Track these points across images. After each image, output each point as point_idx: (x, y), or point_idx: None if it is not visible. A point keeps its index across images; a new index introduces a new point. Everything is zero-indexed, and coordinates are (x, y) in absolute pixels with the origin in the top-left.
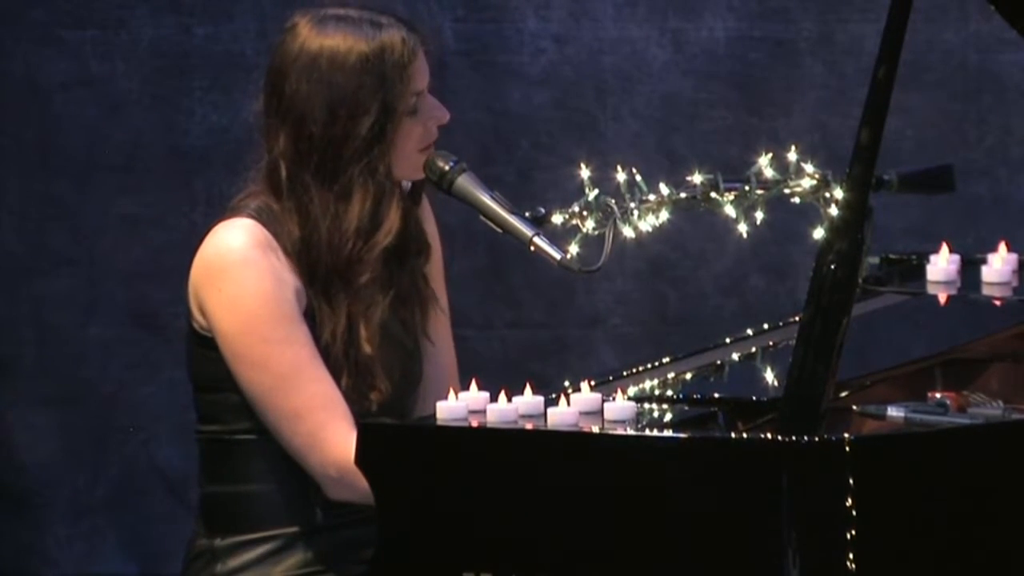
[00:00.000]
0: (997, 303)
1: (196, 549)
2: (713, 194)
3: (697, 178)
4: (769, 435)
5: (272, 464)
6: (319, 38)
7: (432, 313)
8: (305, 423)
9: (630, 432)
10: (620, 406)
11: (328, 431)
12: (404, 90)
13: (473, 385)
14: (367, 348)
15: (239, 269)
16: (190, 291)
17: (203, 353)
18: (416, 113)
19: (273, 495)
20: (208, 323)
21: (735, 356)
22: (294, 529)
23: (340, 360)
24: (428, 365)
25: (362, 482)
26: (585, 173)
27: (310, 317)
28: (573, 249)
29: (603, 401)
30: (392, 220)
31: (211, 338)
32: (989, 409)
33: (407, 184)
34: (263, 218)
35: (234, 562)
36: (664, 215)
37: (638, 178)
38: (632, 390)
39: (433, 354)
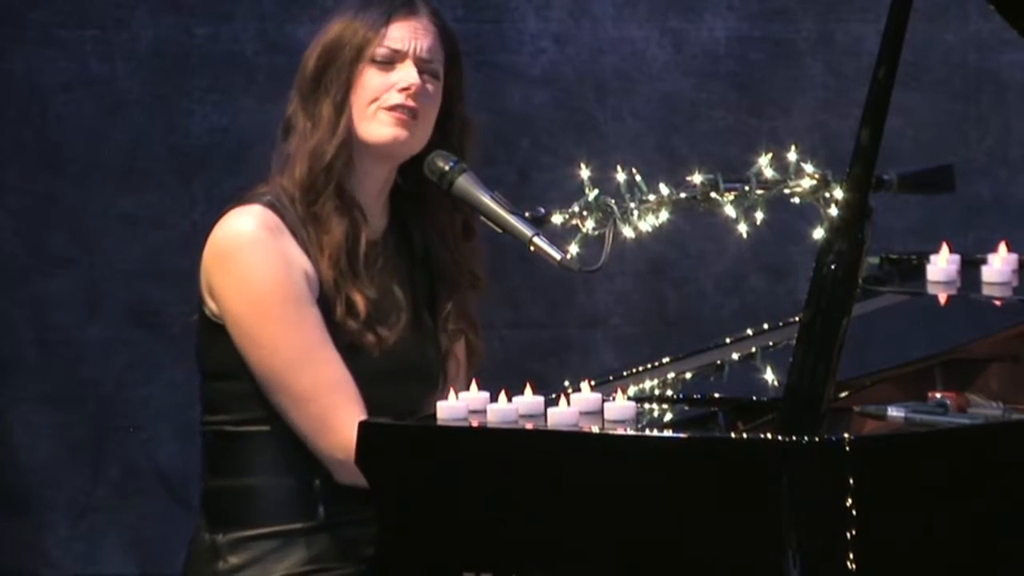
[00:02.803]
0: (997, 303)
1: (199, 544)
2: (713, 194)
3: (697, 178)
4: (769, 435)
5: (275, 458)
6: (340, 10)
7: (459, 346)
8: (314, 405)
9: (630, 432)
10: (620, 406)
11: (337, 414)
12: (375, 34)
13: (473, 385)
14: (330, 273)
15: (248, 251)
16: (201, 276)
17: (214, 340)
18: (388, 67)
19: (276, 490)
20: (218, 307)
21: (735, 356)
22: (297, 525)
23: (331, 293)
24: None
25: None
26: (585, 173)
27: (319, 277)
28: (573, 249)
29: (603, 401)
30: (337, 140)
31: (222, 324)
32: (989, 409)
33: (459, 219)
34: (276, 205)
35: (237, 558)
36: (664, 215)
37: (638, 178)
38: (632, 390)
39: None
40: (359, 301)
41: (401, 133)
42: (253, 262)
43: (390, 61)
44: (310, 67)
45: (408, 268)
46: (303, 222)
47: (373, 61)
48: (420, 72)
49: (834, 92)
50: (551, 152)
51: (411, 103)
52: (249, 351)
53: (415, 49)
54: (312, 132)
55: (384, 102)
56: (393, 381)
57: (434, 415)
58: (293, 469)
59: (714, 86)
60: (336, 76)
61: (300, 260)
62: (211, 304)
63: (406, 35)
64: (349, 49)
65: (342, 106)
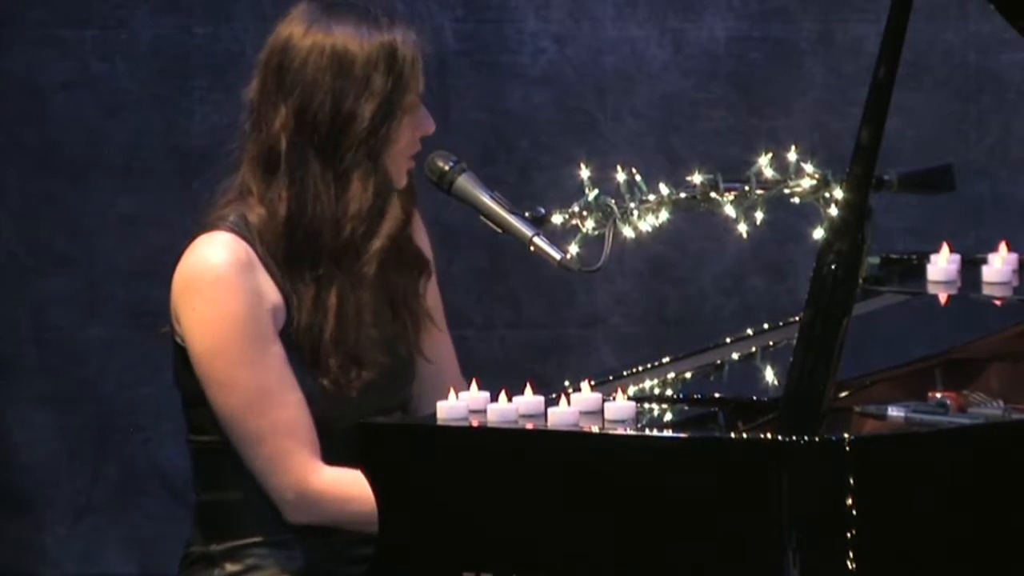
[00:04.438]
0: (997, 303)
1: (192, 555)
2: (713, 194)
3: (697, 178)
4: (769, 435)
5: None
6: (331, 20)
7: (426, 328)
8: (266, 447)
9: (630, 432)
10: (620, 406)
11: (288, 457)
12: (412, 84)
13: (473, 385)
14: (354, 333)
15: (212, 289)
16: (171, 304)
17: (186, 367)
18: (413, 114)
19: (266, 500)
20: (183, 338)
21: (735, 356)
22: (289, 533)
23: (328, 344)
24: (427, 382)
25: (320, 507)
26: (585, 173)
27: (287, 307)
28: (573, 249)
29: (603, 401)
30: (395, 213)
31: None
32: (989, 409)
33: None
34: (241, 230)
35: (231, 567)
36: (664, 215)
37: (638, 178)
38: (632, 390)
39: (433, 371)
40: (366, 361)
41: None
42: (216, 299)
43: (414, 108)
44: (325, 107)
45: None
46: (299, 266)
47: (408, 111)
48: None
49: (834, 92)
50: (551, 152)
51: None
52: (207, 388)
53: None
54: (344, 189)
55: (412, 151)
56: (375, 389)
57: (434, 415)
58: None
59: (714, 86)
60: (373, 134)
61: (270, 294)
62: (180, 332)
63: (420, 74)
64: (383, 104)
65: (375, 170)
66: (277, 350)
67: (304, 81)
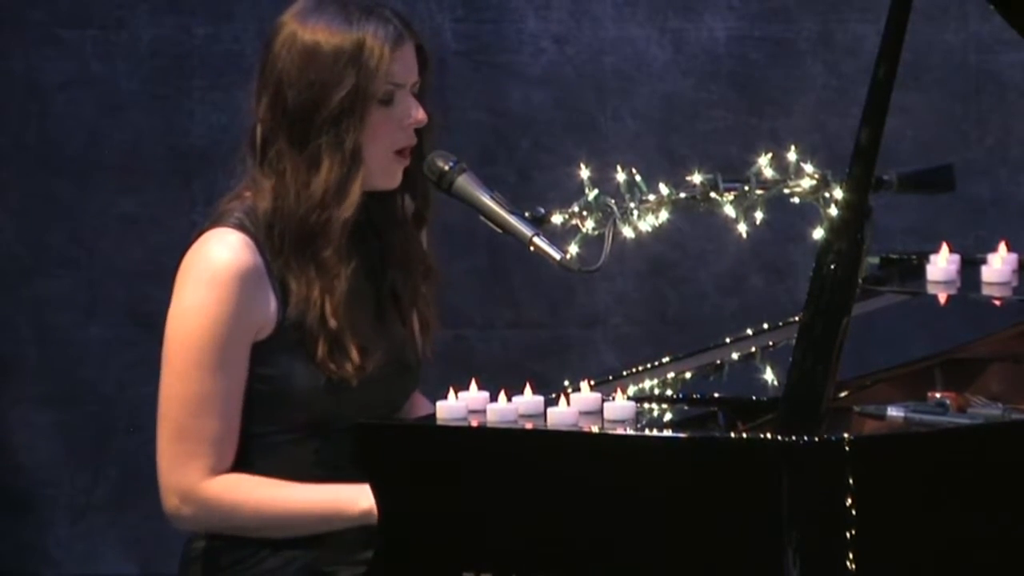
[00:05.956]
0: (997, 303)
1: (194, 550)
2: (713, 194)
3: (697, 178)
4: (769, 435)
5: (270, 465)
6: (309, 15)
7: (428, 334)
8: (180, 445)
9: (630, 432)
10: (620, 406)
11: (191, 463)
12: (380, 73)
13: (473, 385)
14: (332, 322)
15: (204, 287)
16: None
17: None
18: (391, 104)
19: None
20: None
21: (735, 356)
22: None
23: (315, 329)
24: None
25: (201, 515)
26: (585, 173)
27: (281, 298)
28: (573, 249)
29: (603, 401)
30: (353, 197)
31: None
32: (989, 409)
33: (410, 206)
34: (248, 225)
35: (233, 563)
36: (664, 215)
37: (638, 178)
38: (632, 390)
39: None
40: (353, 349)
41: (401, 175)
42: (203, 297)
43: (392, 98)
44: (293, 95)
45: (369, 258)
46: (285, 257)
47: (378, 101)
48: (413, 97)
49: (834, 92)
50: (551, 152)
51: (414, 139)
52: (163, 367)
53: (410, 78)
54: (312, 177)
55: (396, 144)
56: (377, 384)
57: (434, 415)
58: (287, 475)
59: (714, 86)
60: (338, 122)
61: (261, 304)
62: None
63: (403, 67)
64: (350, 93)
65: (354, 158)
66: (240, 363)
67: (277, 73)
